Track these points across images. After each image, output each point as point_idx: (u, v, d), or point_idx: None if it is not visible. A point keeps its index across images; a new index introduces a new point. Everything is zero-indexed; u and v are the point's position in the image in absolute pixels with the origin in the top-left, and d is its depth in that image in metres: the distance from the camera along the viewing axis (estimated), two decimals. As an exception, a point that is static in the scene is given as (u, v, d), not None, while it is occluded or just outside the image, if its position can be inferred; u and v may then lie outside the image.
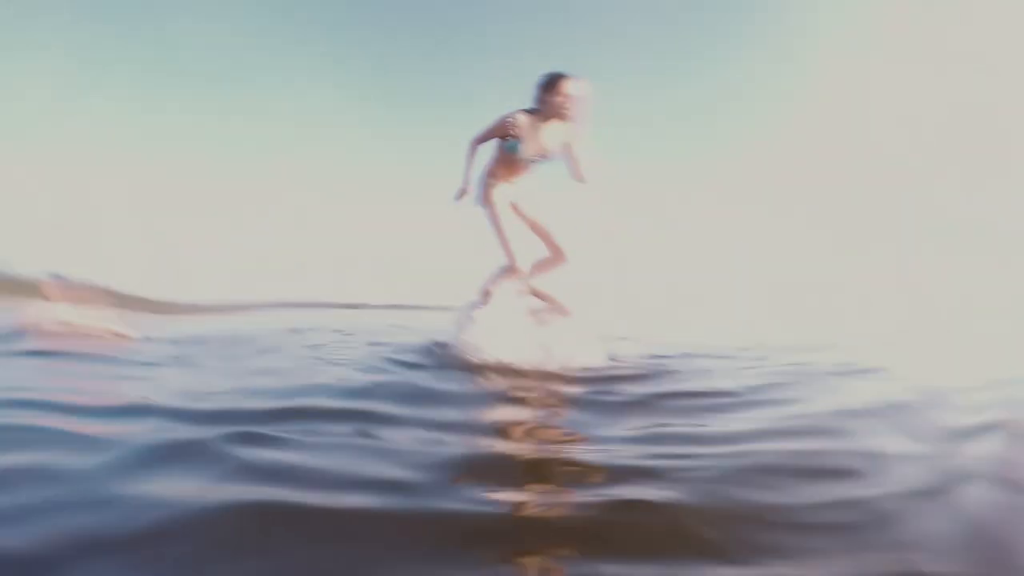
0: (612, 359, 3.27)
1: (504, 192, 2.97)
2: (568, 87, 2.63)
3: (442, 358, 3.03)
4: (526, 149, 2.78)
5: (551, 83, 2.68)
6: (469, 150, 2.86)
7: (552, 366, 2.75)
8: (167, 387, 2.20)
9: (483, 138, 2.84)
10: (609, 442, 1.44)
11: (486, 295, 3.10)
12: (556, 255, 3.09)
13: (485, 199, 2.97)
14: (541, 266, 3.13)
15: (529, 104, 2.80)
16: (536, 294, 3.22)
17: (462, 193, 2.97)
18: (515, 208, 3.03)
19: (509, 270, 3.01)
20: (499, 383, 2.34)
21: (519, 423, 1.68)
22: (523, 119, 2.73)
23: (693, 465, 1.20)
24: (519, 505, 1.02)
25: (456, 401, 1.96)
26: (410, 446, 1.35)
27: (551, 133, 2.78)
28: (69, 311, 5.07)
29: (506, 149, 2.82)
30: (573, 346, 3.08)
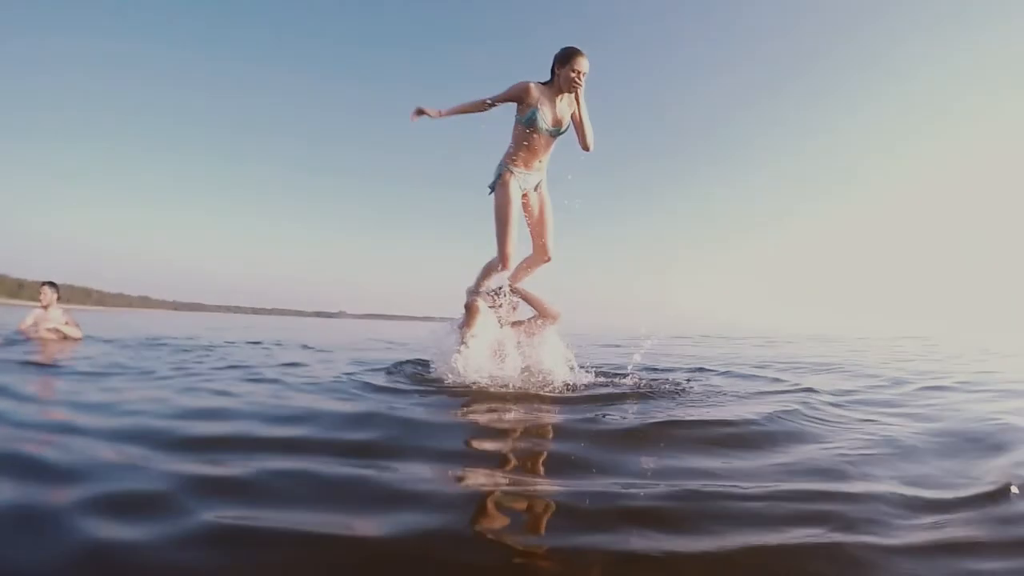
0: (603, 374, 3.25)
1: (518, 186, 2.98)
2: (581, 63, 2.72)
3: (420, 381, 2.93)
4: (543, 119, 2.83)
5: (566, 57, 2.76)
6: (474, 100, 2.85)
7: (536, 385, 2.74)
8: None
9: (496, 99, 2.85)
10: (599, 479, 1.36)
11: (471, 305, 3.07)
12: (541, 254, 3.14)
13: (500, 187, 2.97)
14: (524, 265, 3.19)
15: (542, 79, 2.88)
16: (523, 295, 3.20)
17: (418, 113, 2.92)
18: (525, 198, 3.05)
19: (494, 266, 3.02)
20: (482, 412, 2.22)
21: (504, 461, 1.55)
22: (536, 88, 2.82)
23: (697, 511, 1.12)
24: (513, 554, 0.94)
25: (438, 435, 1.81)
26: (390, 492, 1.23)
27: (563, 105, 2.88)
28: (56, 315, 5.46)
29: (524, 122, 2.85)
30: (556, 364, 3.09)
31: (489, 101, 2.82)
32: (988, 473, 1.44)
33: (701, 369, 3.92)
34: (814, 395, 2.71)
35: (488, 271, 3.22)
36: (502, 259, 2.95)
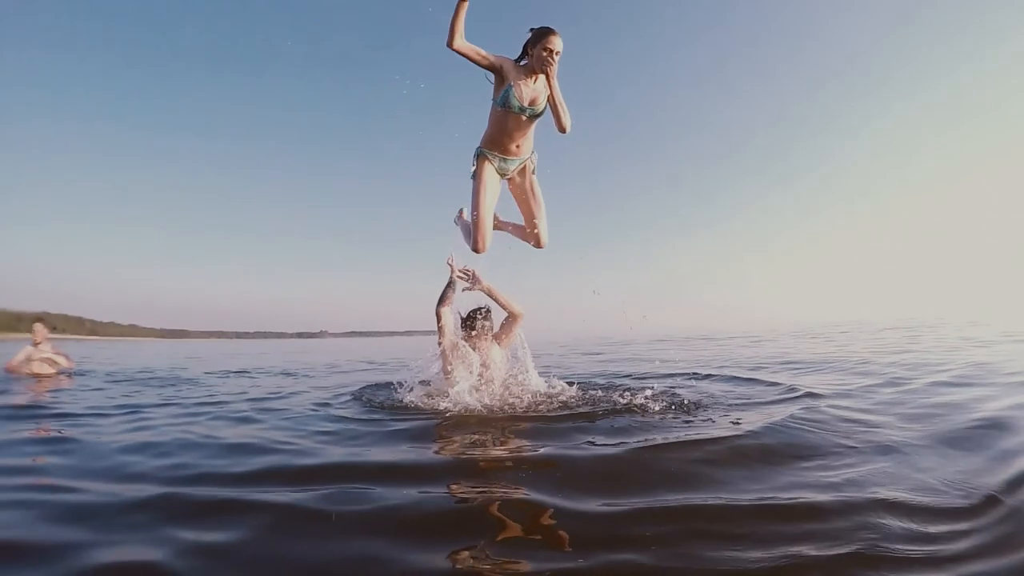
0: (583, 388, 3.16)
1: (495, 171, 2.87)
2: (555, 42, 2.61)
3: (399, 410, 2.78)
4: (518, 96, 2.69)
5: (539, 35, 2.64)
6: (462, 44, 2.59)
7: (517, 406, 2.64)
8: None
9: (472, 57, 2.64)
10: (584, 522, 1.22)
11: (446, 295, 3.10)
12: (533, 241, 3.01)
13: (476, 173, 2.87)
14: (517, 229, 3.06)
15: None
16: (489, 293, 3.09)
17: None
18: (512, 181, 2.95)
19: (472, 245, 2.89)
20: (455, 446, 2.03)
21: (491, 502, 1.37)
22: (511, 66, 2.69)
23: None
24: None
25: (419, 479, 1.60)
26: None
27: (537, 86, 2.74)
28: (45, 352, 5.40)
29: (499, 102, 2.71)
30: (533, 380, 3.05)
31: (464, 46, 2.61)
32: (994, 478, 1.40)
33: (709, 375, 3.80)
34: (815, 400, 2.59)
35: (445, 295, 3.13)
36: (476, 243, 2.82)
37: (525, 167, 2.92)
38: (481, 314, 3.09)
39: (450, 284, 3.12)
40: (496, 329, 3.14)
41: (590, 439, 1.96)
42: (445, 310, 3.04)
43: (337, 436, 2.23)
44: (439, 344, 3.00)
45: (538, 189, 2.97)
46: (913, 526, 1.14)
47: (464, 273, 3.11)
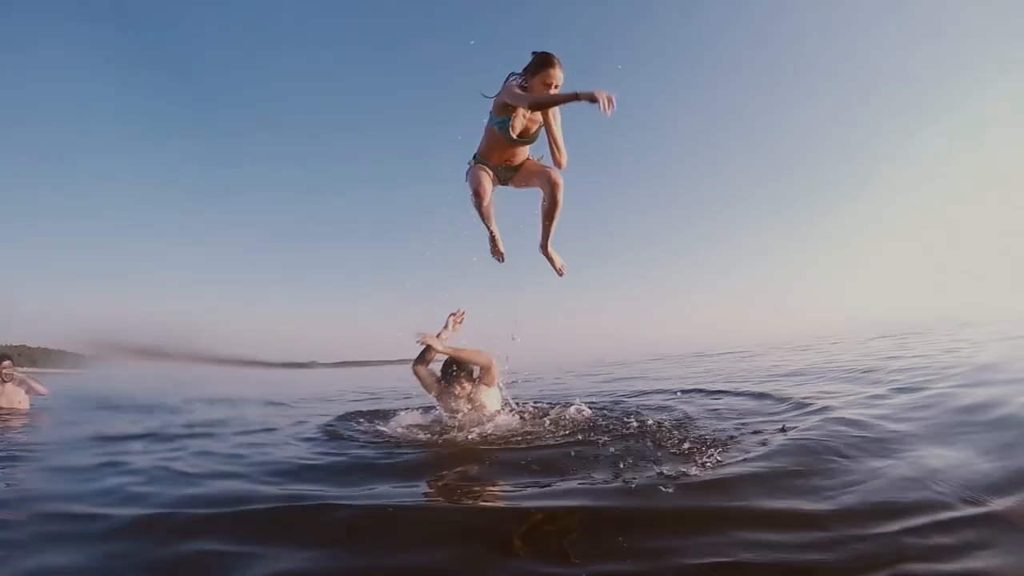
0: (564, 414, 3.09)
1: (487, 175, 2.78)
2: (555, 75, 2.46)
3: (384, 444, 2.68)
4: (511, 128, 2.62)
5: (539, 66, 2.49)
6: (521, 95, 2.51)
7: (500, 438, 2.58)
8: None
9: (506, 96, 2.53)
10: None
11: (422, 356, 3.23)
12: (555, 165, 2.73)
13: (471, 170, 2.81)
14: (546, 213, 2.84)
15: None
16: (454, 356, 3.11)
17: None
18: (513, 180, 2.87)
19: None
20: (436, 486, 1.90)
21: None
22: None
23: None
24: None
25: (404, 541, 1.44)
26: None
27: (535, 114, 2.63)
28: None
29: (495, 124, 2.65)
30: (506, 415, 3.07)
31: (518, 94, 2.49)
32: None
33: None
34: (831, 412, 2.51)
35: (422, 356, 3.23)
36: (475, 192, 2.71)
37: (519, 170, 2.86)
38: (454, 363, 3.12)
39: (423, 352, 3.26)
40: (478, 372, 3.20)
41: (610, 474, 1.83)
42: (419, 367, 3.23)
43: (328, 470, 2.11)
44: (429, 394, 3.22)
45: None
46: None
47: (423, 343, 3.20)
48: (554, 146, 2.64)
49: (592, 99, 2.20)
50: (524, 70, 2.57)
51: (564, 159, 2.67)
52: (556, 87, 2.48)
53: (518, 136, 2.67)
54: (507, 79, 2.58)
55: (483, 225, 3.01)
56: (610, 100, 2.16)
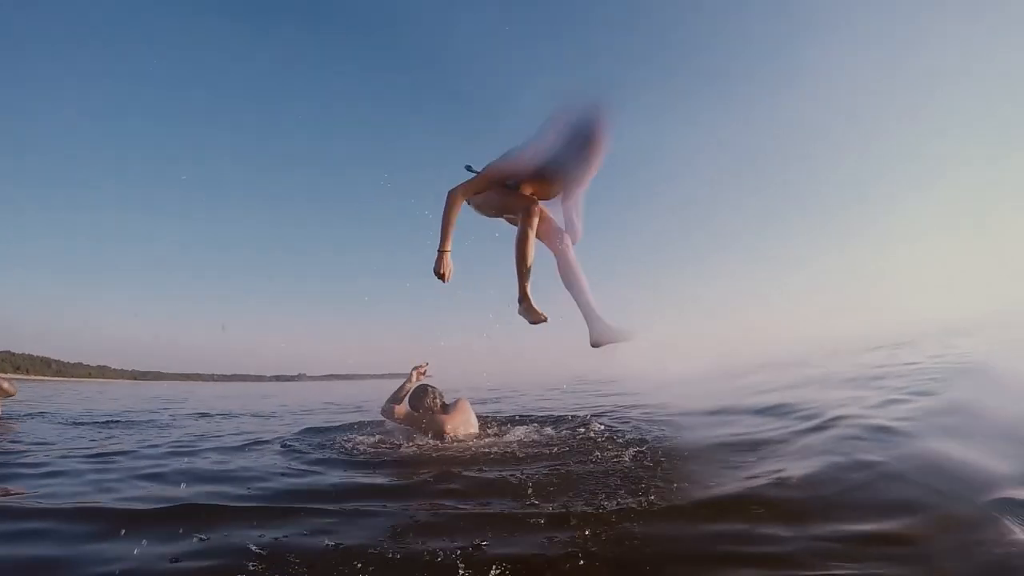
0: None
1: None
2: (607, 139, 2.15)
3: (344, 463, 2.57)
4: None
5: (591, 132, 2.15)
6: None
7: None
8: None
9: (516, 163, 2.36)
10: None
11: (394, 396, 3.28)
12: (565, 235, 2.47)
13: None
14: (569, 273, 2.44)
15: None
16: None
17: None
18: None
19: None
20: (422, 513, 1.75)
21: None
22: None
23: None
24: None
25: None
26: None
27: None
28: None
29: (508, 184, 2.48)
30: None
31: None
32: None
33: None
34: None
35: (394, 396, 3.25)
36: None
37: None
38: (421, 392, 3.20)
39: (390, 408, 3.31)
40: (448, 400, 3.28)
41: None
42: (386, 405, 3.28)
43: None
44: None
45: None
46: None
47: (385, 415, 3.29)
48: (574, 218, 2.48)
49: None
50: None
51: (579, 234, 2.48)
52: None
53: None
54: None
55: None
56: (442, 277, 2.26)
